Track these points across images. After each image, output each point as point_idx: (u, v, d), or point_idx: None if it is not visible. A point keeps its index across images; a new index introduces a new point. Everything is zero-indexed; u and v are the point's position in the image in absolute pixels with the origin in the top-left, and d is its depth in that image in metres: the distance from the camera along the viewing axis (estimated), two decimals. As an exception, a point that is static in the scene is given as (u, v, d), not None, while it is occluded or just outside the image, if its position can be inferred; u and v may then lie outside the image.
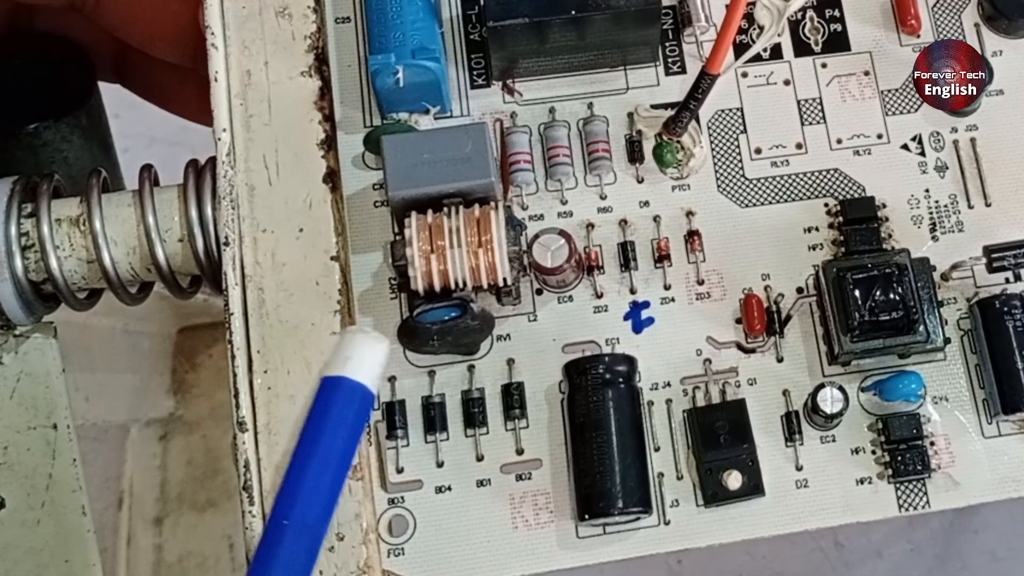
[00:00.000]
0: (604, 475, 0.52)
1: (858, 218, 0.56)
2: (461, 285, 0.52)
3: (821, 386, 0.53)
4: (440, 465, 0.54)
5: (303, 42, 0.56)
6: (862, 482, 0.54)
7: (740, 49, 0.59)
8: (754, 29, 0.60)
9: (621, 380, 0.53)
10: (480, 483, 0.54)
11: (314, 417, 0.48)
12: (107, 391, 1.02)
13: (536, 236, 0.54)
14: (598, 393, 0.53)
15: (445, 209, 0.53)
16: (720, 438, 0.54)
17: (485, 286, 0.52)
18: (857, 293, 0.53)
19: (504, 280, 0.52)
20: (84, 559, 0.57)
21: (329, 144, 0.54)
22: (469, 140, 0.53)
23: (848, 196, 0.57)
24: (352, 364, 0.49)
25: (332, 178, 0.54)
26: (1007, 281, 0.57)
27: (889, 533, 1.23)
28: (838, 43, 0.60)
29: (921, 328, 0.53)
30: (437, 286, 0.52)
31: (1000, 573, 1.23)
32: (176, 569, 1.06)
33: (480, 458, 0.54)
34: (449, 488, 0.54)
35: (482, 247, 0.52)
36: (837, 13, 0.60)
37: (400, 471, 0.54)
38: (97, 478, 1.03)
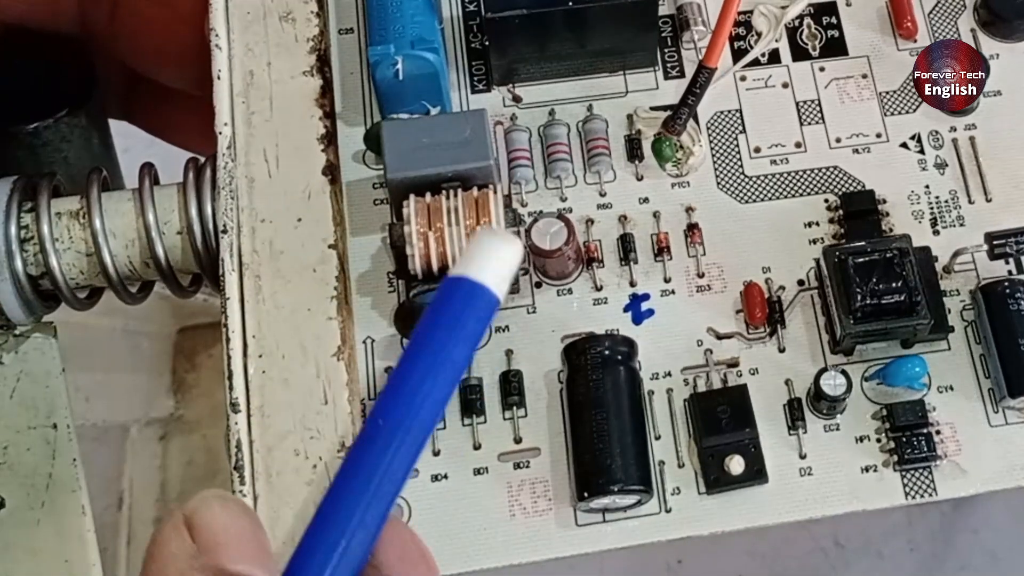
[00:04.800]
0: (603, 452, 0.48)
1: (859, 211, 0.53)
2: (460, 267, 0.49)
3: (824, 370, 0.50)
4: (437, 454, 0.51)
5: (305, 44, 0.54)
6: (867, 470, 0.50)
7: (738, 55, 0.57)
8: (752, 35, 0.57)
9: (620, 359, 0.50)
10: (477, 471, 0.51)
11: (430, 316, 0.41)
12: (107, 391, 0.99)
13: (535, 220, 0.51)
14: (598, 372, 0.49)
15: (444, 192, 0.50)
16: (722, 422, 0.50)
17: (483, 270, 0.49)
18: (859, 277, 0.50)
19: (502, 263, 0.49)
20: (84, 559, 0.54)
21: (329, 139, 0.52)
22: (468, 125, 0.51)
23: (848, 191, 0.54)
24: (476, 264, 0.41)
25: (331, 171, 0.52)
26: (1009, 274, 0.53)
27: (889, 532, 1.18)
28: (835, 48, 0.57)
29: (924, 311, 0.50)
30: (435, 267, 0.49)
31: (1000, 573, 1.18)
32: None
33: (477, 446, 0.51)
34: (445, 476, 0.50)
35: (480, 227, 0.49)
36: (834, 20, 0.58)
37: (396, 459, 0.51)
38: (97, 478, 1.00)
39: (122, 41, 0.60)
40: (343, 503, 0.40)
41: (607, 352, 0.50)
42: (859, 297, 0.49)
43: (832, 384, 0.49)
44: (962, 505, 1.16)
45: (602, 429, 0.48)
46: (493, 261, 0.41)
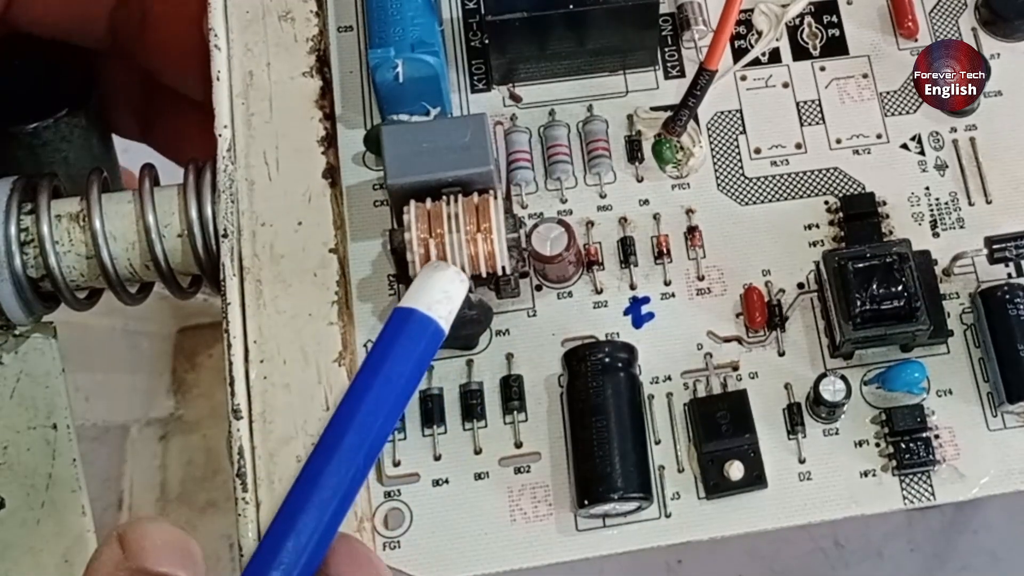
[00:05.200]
0: (604, 459, 0.48)
1: (859, 213, 0.53)
2: (459, 272, 0.49)
3: (823, 375, 0.50)
4: (438, 458, 0.50)
5: (305, 44, 0.53)
6: (866, 475, 0.50)
7: (739, 54, 0.56)
8: (752, 35, 0.57)
9: (621, 365, 0.49)
10: (478, 476, 0.50)
11: (377, 343, 0.45)
12: (107, 391, 0.98)
13: (535, 225, 0.50)
14: (598, 379, 0.49)
15: (444, 198, 0.49)
16: (721, 428, 0.50)
17: (484, 275, 0.49)
18: (858, 282, 0.49)
19: (503, 268, 0.49)
20: (84, 559, 0.53)
21: (329, 141, 0.52)
22: (468, 129, 0.50)
23: (848, 193, 0.54)
24: (424, 298, 0.46)
25: (332, 173, 0.51)
26: (1009, 277, 0.53)
27: (889, 533, 1.19)
28: (836, 47, 0.57)
29: (923, 316, 0.49)
30: (435, 274, 0.49)
31: (1000, 573, 1.18)
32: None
33: (478, 451, 0.51)
34: (446, 481, 0.50)
35: (481, 233, 0.48)
36: (835, 19, 0.57)
37: (397, 464, 0.50)
38: (97, 478, 1.00)
39: (150, 52, 0.60)
40: (294, 516, 0.43)
41: (607, 359, 0.49)
42: (859, 303, 0.49)
43: (832, 390, 0.49)
44: (963, 506, 1.16)
45: (602, 436, 0.48)
46: (436, 293, 0.45)
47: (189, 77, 0.61)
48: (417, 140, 0.50)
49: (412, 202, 0.49)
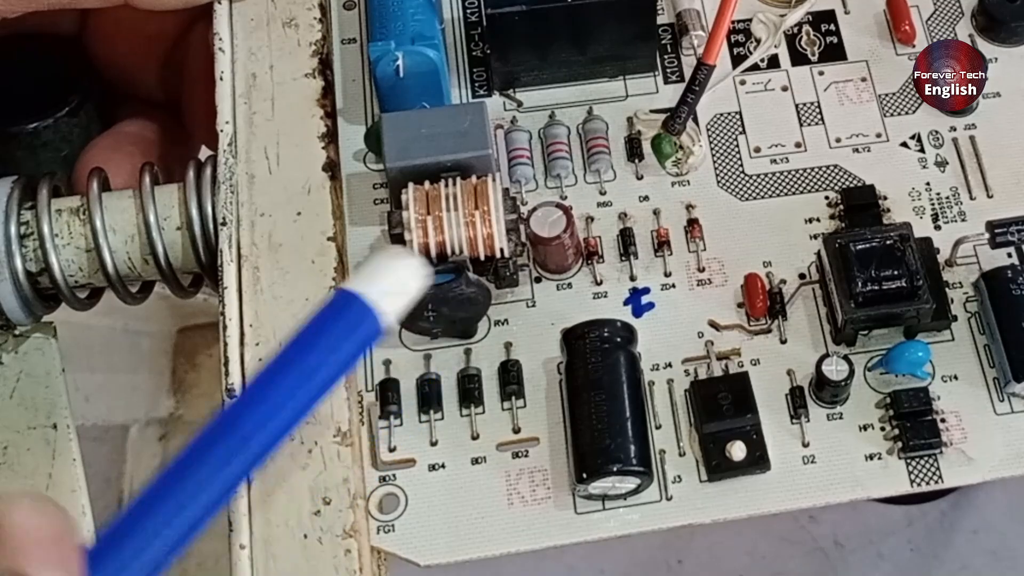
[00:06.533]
0: (603, 432, 0.46)
1: (859, 205, 0.52)
2: (458, 252, 0.48)
3: (825, 355, 0.48)
4: (434, 444, 0.49)
5: (308, 48, 0.53)
6: (871, 458, 0.48)
7: (738, 61, 0.56)
8: (751, 43, 0.57)
9: (620, 342, 0.48)
10: (475, 460, 0.49)
11: (310, 327, 0.37)
12: (107, 391, 0.96)
13: (534, 208, 0.50)
14: (596, 355, 0.47)
15: (443, 181, 0.49)
16: (723, 408, 0.48)
17: (482, 257, 0.48)
18: (859, 262, 0.48)
19: (502, 251, 0.48)
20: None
21: (330, 138, 0.52)
22: (467, 116, 0.50)
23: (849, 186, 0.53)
24: (376, 285, 0.37)
25: (331, 167, 0.51)
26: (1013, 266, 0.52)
27: (889, 533, 1.15)
28: (834, 54, 0.56)
29: (926, 295, 0.48)
30: (434, 254, 0.48)
31: (1000, 573, 1.15)
32: (176, 569, 0.98)
33: (475, 436, 0.49)
34: (443, 466, 0.49)
35: (479, 211, 0.48)
36: (832, 27, 0.57)
37: (392, 450, 0.49)
38: (97, 478, 0.97)
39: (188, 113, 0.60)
40: (161, 501, 0.36)
41: (606, 334, 0.48)
42: (860, 282, 0.48)
43: (834, 369, 0.48)
44: (962, 505, 1.12)
45: (601, 411, 0.47)
46: (392, 282, 0.37)
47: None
48: (416, 126, 0.50)
49: (410, 184, 0.48)
